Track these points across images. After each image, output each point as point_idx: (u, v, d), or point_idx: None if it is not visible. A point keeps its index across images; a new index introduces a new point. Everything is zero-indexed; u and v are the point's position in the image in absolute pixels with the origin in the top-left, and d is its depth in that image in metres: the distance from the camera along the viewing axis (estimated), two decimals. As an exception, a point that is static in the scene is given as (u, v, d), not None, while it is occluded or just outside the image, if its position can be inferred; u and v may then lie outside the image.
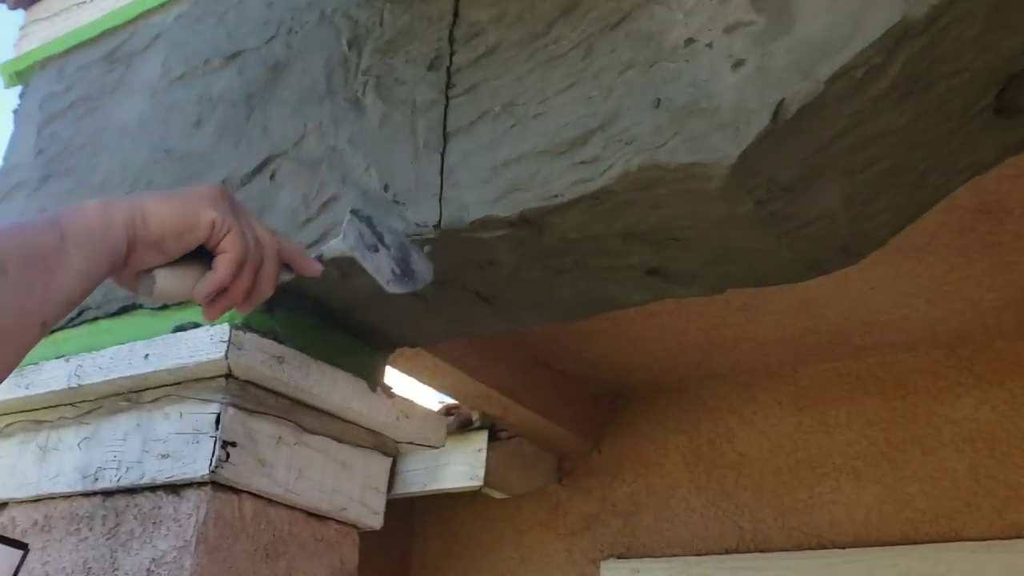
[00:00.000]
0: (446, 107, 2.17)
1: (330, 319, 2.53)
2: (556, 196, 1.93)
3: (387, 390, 2.56)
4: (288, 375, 2.25)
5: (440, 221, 2.06)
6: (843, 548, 4.69)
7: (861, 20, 1.67)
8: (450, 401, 5.24)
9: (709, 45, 1.83)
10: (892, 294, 4.40)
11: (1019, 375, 4.59)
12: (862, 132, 1.80)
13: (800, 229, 1.96)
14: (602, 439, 5.57)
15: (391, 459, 2.59)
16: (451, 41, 2.24)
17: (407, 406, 2.59)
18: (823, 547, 4.75)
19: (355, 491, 2.45)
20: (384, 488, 2.55)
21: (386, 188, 2.18)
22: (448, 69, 2.21)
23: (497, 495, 5.41)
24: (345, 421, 2.47)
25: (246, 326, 2.25)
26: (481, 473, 5.10)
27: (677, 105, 1.81)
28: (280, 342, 2.27)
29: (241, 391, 2.23)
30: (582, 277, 2.22)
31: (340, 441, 2.44)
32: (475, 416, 5.28)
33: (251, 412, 2.24)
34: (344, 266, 2.24)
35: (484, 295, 2.36)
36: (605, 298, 2.33)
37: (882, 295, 4.41)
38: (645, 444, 5.46)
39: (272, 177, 2.42)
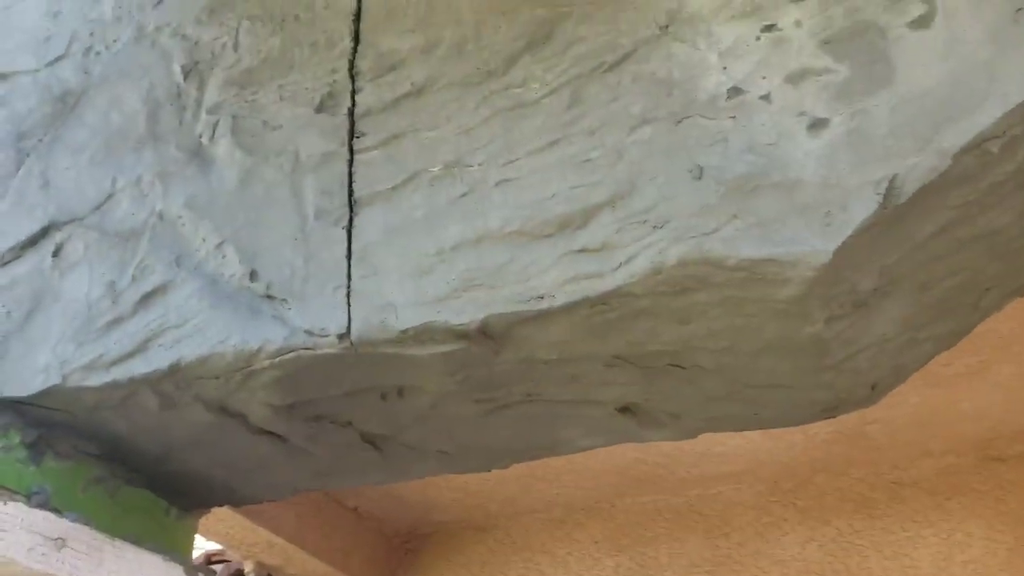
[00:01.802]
0: (351, 163, 1.49)
1: (125, 470, 1.69)
2: (541, 298, 1.29)
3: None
4: (71, 568, 1.38)
5: (349, 328, 1.34)
6: None
7: (997, 74, 1.21)
8: (213, 547, 4.31)
9: (766, 98, 1.30)
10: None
11: (843, 511, 4.43)
12: (959, 232, 1.34)
13: (848, 360, 1.45)
14: (397, 585, 4.84)
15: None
16: (352, 75, 1.58)
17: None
18: None
19: None
20: None
21: (253, 276, 1.44)
22: (351, 112, 1.54)
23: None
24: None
25: (2, 488, 1.38)
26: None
27: (730, 177, 1.26)
28: (58, 513, 1.42)
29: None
30: (528, 415, 1.58)
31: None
32: (248, 568, 4.38)
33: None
34: (164, 388, 1.47)
35: (373, 437, 1.65)
36: (547, 443, 1.69)
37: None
38: (445, 590, 4.81)
39: (56, 254, 1.59)
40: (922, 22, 1.29)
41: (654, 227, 1.27)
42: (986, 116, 1.20)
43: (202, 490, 1.81)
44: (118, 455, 1.68)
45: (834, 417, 1.69)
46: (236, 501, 1.88)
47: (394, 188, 1.44)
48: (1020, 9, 1.24)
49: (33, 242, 1.63)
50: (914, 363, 1.63)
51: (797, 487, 4.79)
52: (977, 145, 1.21)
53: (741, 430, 1.69)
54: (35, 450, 1.55)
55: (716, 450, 4.47)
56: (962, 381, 3.75)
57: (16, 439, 1.51)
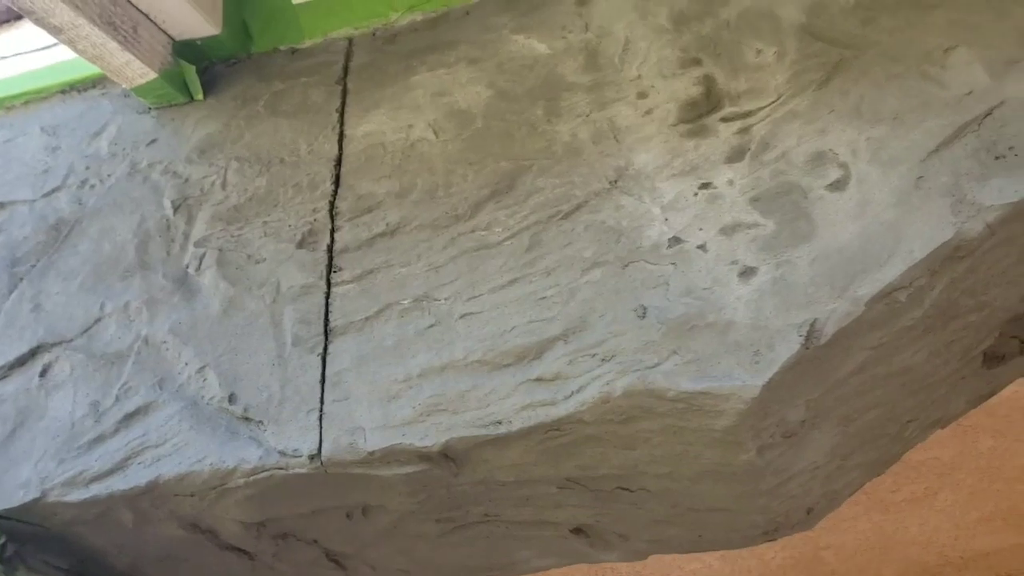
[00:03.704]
0: (328, 295, 1.61)
1: (93, 583, 1.74)
2: (499, 423, 1.41)
3: None
4: None
5: (320, 449, 1.44)
6: None
7: (902, 233, 1.38)
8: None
9: (702, 247, 1.46)
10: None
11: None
12: (876, 370, 1.48)
13: (782, 486, 1.57)
14: None
15: None
16: (332, 214, 1.72)
17: None
18: None
19: None
20: None
21: (232, 399, 1.54)
22: (330, 248, 1.67)
23: None
24: None
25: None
26: None
27: (670, 317, 1.41)
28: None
29: None
30: (485, 535, 1.67)
31: None
32: None
33: None
34: (141, 504, 1.54)
35: (337, 555, 1.72)
36: (504, 563, 1.77)
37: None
38: None
39: (43, 374, 1.68)
40: (838, 185, 1.46)
41: (602, 360, 1.40)
42: (894, 269, 1.36)
43: (167, 606, 1.86)
44: (87, 571, 1.73)
45: (774, 540, 1.79)
46: (199, 618, 1.92)
47: (367, 319, 1.56)
48: (921, 177, 1.43)
49: (22, 362, 1.72)
50: (846, 489, 1.75)
51: (750, 614, 4.74)
52: (887, 294, 1.36)
53: (687, 552, 1.78)
54: (9, 565, 1.60)
55: (673, 575, 4.50)
56: (909, 507, 3.86)
57: (-8, 552, 1.57)
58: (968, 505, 3.83)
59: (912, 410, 1.65)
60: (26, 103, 2.20)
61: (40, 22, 1.73)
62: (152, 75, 1.91)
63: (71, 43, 1.79)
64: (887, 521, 3.90)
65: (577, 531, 1.68)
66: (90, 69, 2.15)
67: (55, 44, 2.32)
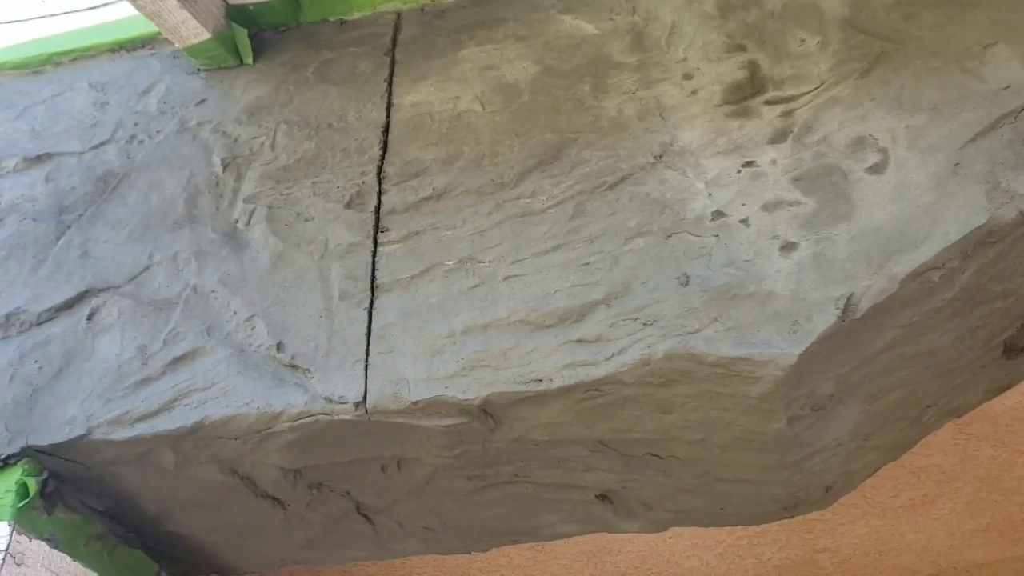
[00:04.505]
0: (374, 254, 1.66)
1: (123, 529, 1.78)
2: (539, 380, 1.45)
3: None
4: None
5: (365, 398, 1.49)
6: None
7: (938, 216, 1.44)
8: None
9: (745, 222, 1.51)
10: (689, 545, 4.19)
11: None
12: (904, 349, 1.54)
13: (806, 460, 1.62)
14: None
15: None
16: (380, 178, 1.77)
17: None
18: None
19: None
20: None
21: (279, 347, 1.58)
22: (377, 210, 1.72)
23: None
24: None
25: (23, 527, 1.48)
26: None
27: (713, 285, 1.46)
28: (72, 558, 1.51)
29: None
30: (513, 496, 1.71)
31: None
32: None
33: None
34: (184, 446, 1.59)
35: (368, 509, 1.76)
36: (527, 527, 1.82)
37: (679, 545, 4.19)
38: None
39: (91, 317, 1.73)
40: (877, 168, 1.52)
41: (644, 324, 1.45)
42: (928, 250, 1.42)
43: (193, 555, 1.90)
44: (120, 514, 1.77)
45: (792, 517, 1.84)
46: (224, 570, 1.96)
47: (412, 277, 1.61)
48: (958, 164, 1.48)
49: (69, 305, 1.76)
50: (863, 471, 1.80)
51: (746, 616, 4.77)
52: (921, 274, 1.42)
53: (707, 525, 1.83)
54: (49, 501, 1.64)
55: (671, 571, 4.54)
56: (907, 513, 3.90)
57: (35, 488, 1.61)
58: (965, 515, 3.88)
59: (933, 394, 1.70)
60: (74, 60, 2.25)
61: (104, -24, 1.78)
62: (206, 35, 1.96)
63: (132, -1, 1.84)
64: (884, 526, 3.94)
65: (602, 497, 1.72)
66: (139, 29, 2.19)
67: (103, 4, 2.37)
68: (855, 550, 4.15)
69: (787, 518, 1.82)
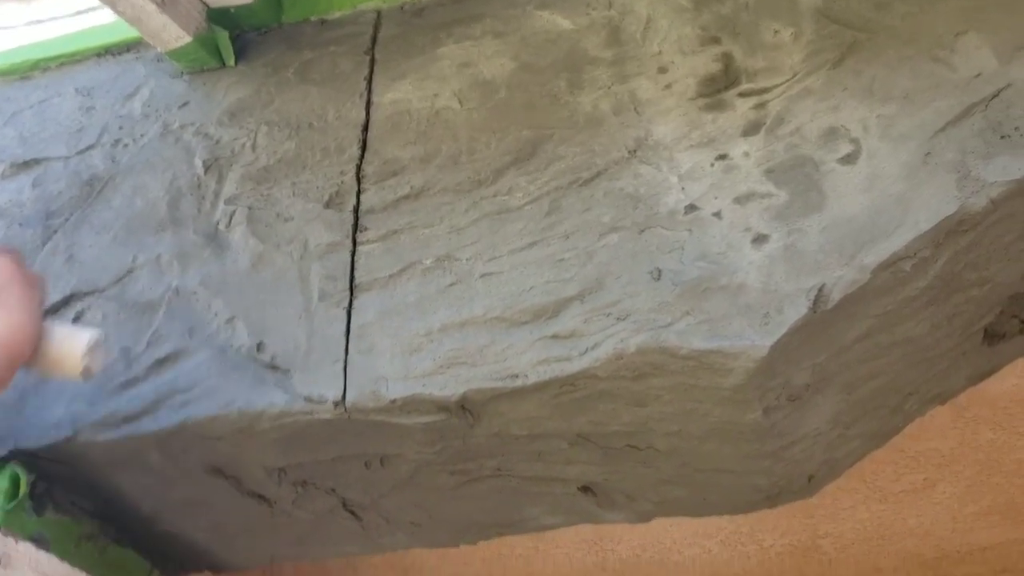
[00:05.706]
0: (353, 253, 1.68)
1: (114, 529, 1.81)
2: (516, 376, 1.47)
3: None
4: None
5: (344, 397, 1.51)
6: None
7: (909, 205, 1.44)
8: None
9: (717, 215, 1.52)
10: (690, 532, 4.20)
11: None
12: (880, 338, 1.54)
13: (786, 450, 1.63)
14: None
15: None
16: (359, 177, 1.79)
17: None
18: None
19: None
20: None
21: (259, 348, 1.60)
22: (356, 209, 1.74)
23: None
24: None
25: (9, 529, 1.50)
26: None
27: (685, 279, 1.47)
28: (61, 560, 1.54)
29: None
30: (496, 490, 1.73)
31: None
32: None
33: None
34: (170, 447, 1.61)
35: (354, 505, 1.78)
36: (513, 520, 1.83)
37: (681, 532, 4.20)
38: None
39: (76, 320, 1.75)
40: (849, 159, 1.52)
41: (617, 319, 1.46)
42: (900, 240, 1.42)
43: (185, 553, 1.92)
44: (110, 514, 1.79)
45: (775, 507, 1.85)
46: (216, 567, 1.99)
47: (391, 276, 1.63)
48: (928, 153, 1.48)
49: (55, 310, 1.78)
50: (846, 459, 1.81)
51: (747, 603, 4.78)
52: (892, 263, 1.42)
53: (691, 515, 1.85)
54: (39, 502, 1.67)
55: (673, 559, 4.55)
56: (908, 498, 3.91)
57: (24, 490, 1.63)
58: (966, 498, 3.88)
59: (913, 382, 1.70)
60: (60, 65, 2.27)
61: (83, -17, 1.80)
62: (187, 39, 1.98)
63: (112, 4, 1.85)
64: (886, 511, 3.95)
65: (585, 489, 1.74)
66: (124, 34, 2.21)
67: (89, 10, 2.39)
68: (857, 535, 4.15)
69: (770, 507, 1.84)
